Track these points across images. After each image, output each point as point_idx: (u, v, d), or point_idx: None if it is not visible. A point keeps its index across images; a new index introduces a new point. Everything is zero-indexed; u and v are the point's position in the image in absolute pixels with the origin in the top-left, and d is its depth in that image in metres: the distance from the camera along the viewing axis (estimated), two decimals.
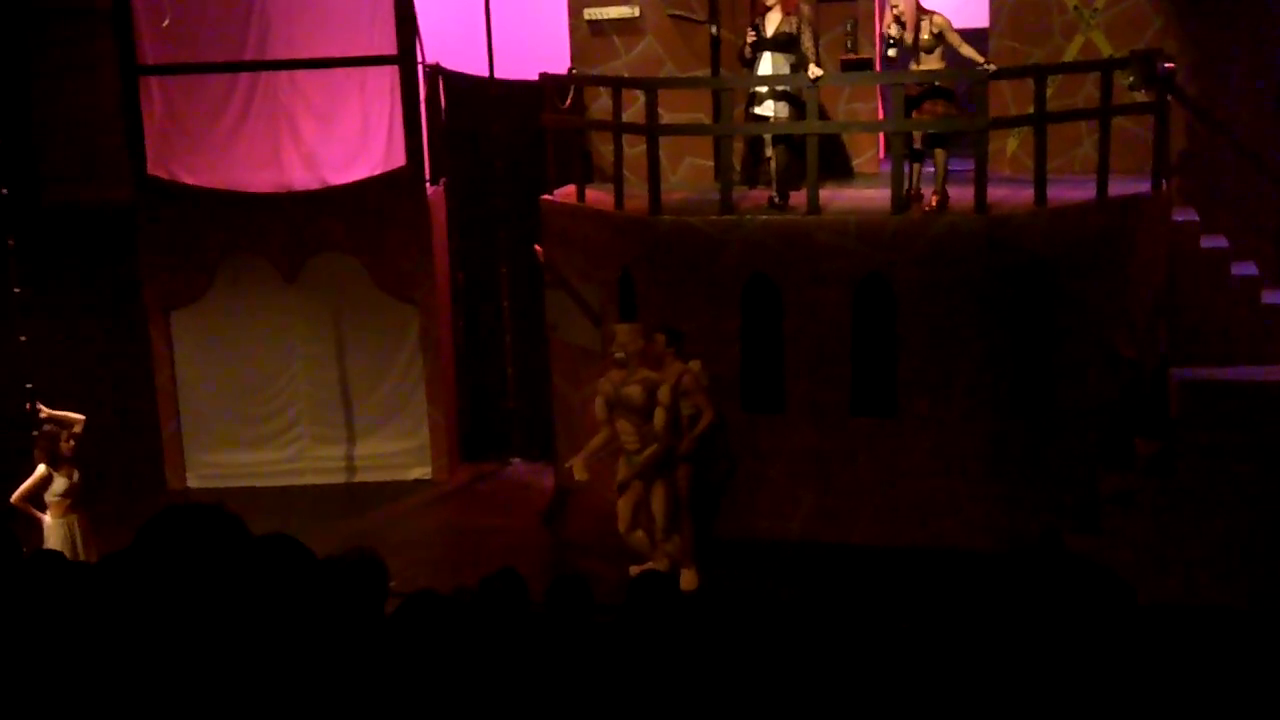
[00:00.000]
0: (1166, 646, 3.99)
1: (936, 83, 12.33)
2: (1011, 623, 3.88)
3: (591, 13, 14.78)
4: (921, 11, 12.40)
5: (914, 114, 12.40)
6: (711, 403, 11.67)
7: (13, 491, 11.19)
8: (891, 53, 12.39)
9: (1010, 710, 4.02)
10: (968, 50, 12.43)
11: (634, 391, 11.39)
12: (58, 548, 10.62)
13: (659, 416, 11.34)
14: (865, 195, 13.29)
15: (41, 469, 11.22)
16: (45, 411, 11.48)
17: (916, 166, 13.04)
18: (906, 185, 12.56)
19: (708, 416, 11.61)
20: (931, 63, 12.37)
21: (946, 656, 4.57)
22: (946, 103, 12.37)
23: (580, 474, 11.70)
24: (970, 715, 4.26)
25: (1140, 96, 13.02)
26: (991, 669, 4.11)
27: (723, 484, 12.67)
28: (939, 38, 12.29)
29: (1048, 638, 3.80)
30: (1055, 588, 3.86)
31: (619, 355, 11.52)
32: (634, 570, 11.24)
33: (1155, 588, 10.97)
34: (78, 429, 11.34)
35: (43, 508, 11.24)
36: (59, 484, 11.19)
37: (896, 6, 12.29)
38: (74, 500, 11.26)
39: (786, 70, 12.52)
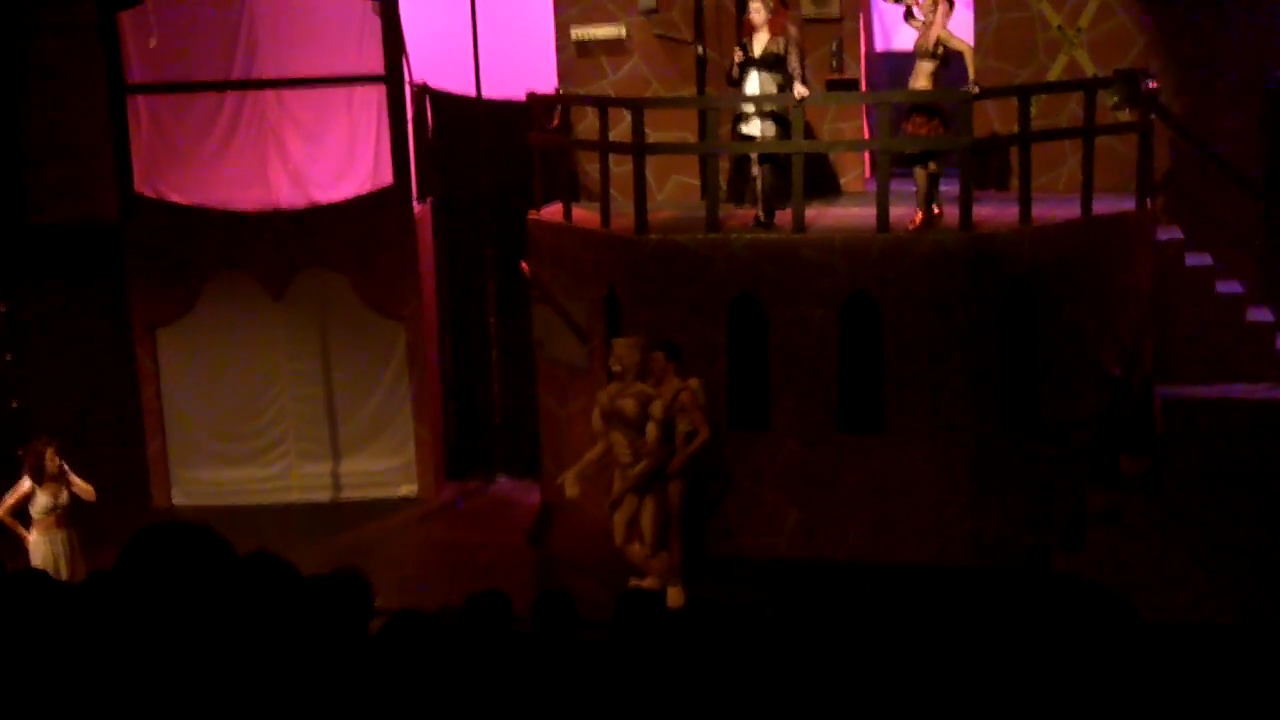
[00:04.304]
0: (1159, 665, 4.00)
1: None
2: (1004, 641, 3.88)
3: (578, 33, 14.80)
4: (935, 4, 12.32)
5: (903, 125, 12.39)
6: (708, 421, 11.69)
7: None
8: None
9: None
10: (968, 56, 12.40)
11: (628, 404, 11.39)
12: (41, 565, 10.60)
13: (650, 430, 11.35)
14: (851, 214, 13.30)
15: (26, 484, 11.19)
16: (57, 456, 11.28)
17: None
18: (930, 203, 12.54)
19: (703, 434, 11.64)
20: (921, 78, 12.38)
21: (935, 673, 4.58)
22: (928, 119, 12.33)
23: (571, 489, 11.69)
24: None
25: (1124, 115, 13.07)
26: (982, 687, 4.12)
27: (716, 502, 12.69)
28: (935, 53, 12.24)
29: (1042, 656, 3.80)
30: (1052, 606, 3.86)
31: (616, 368, 11.54)
32: (633, 583, 11.27)
33: (1140, 606, 10.95)
34: (87, 498, 11.32)
35: (30, 524, 11.22)
36: (43, 500, 11.16)
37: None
38: (60, 518, 11.23)
39: (773, 90, 12.54)
